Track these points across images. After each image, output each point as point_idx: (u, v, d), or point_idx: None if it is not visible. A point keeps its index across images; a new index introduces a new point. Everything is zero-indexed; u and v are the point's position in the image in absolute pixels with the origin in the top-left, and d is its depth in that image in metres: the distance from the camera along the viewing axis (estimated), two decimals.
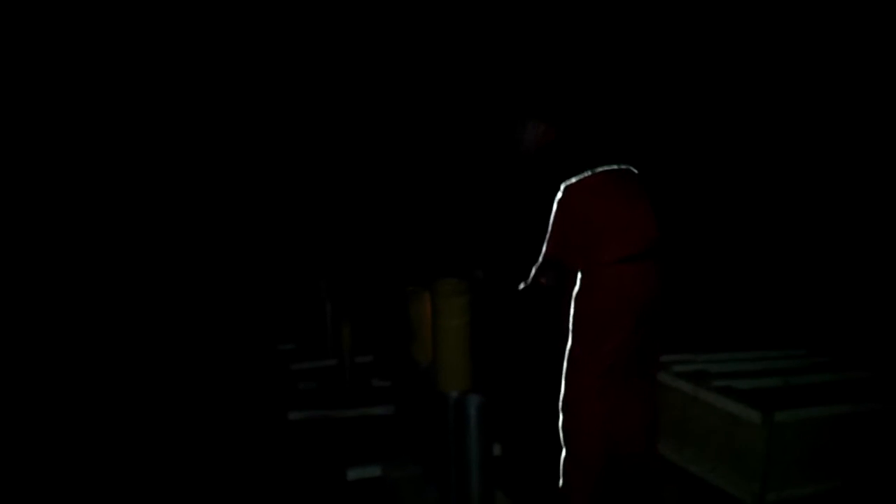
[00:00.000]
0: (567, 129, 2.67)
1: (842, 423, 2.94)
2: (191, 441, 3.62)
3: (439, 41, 6.95)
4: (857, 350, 3.78)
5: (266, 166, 7.77)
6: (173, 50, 7.33)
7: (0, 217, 6.92)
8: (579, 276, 2.55)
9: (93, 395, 4.39)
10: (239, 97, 7.61)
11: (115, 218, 7.44)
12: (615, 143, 2.65)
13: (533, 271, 2.64)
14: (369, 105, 7.47)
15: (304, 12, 7.27)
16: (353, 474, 3.16)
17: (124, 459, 3.39)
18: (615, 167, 2.55)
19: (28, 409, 4.09)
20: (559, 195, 2.55)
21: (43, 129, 7.15)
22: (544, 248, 2.61)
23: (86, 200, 7.35)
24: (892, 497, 2.93)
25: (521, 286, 2.66)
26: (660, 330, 2.68)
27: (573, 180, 2.52)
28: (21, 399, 4.24)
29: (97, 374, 4.85)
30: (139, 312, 6.62)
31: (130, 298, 6.94)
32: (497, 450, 3.28)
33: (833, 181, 4.99)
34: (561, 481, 2.62)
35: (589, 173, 2.51)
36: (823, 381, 3.19)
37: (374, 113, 7.46)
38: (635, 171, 2.61)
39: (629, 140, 2.72)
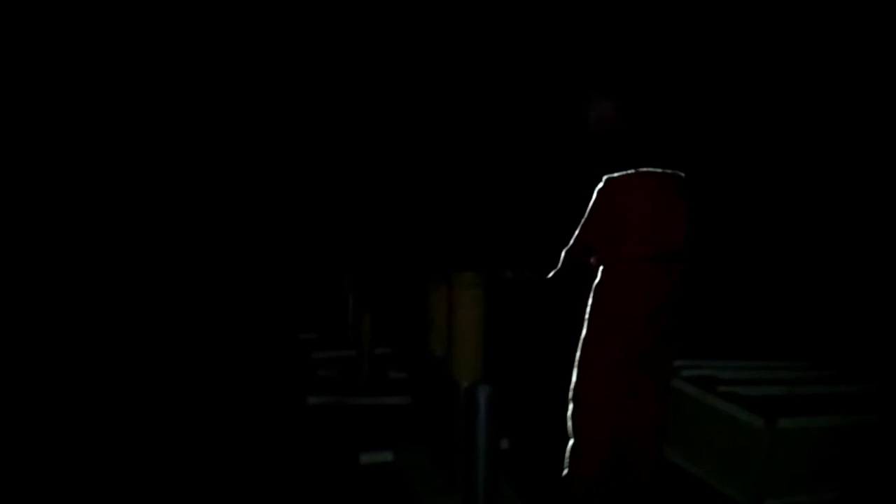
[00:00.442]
0: (632, 121, 2.75)
1: (843, 434, 3.00)
2: (214, 422, 3.78)
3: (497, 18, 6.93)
4: (862, 363, 3.83)
5: (293, 158, 7.91)
6: (203, 49, 7.49)
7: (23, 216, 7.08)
8: (601, 269, 2.66)
9: (126, 373, 4.57)
10: (264, 91, 7.76)
11: (146, 211, 7.63)
12: (669, 146, 2.73)
13: (563, 255, 2.76)
14: (395, 97, 7.56)
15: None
16: (365, 458, 3.29)
17: (150, 437, 3.55)
18: (661, 170, 2.64)
19: (40, 402, 4.26)
20: (600, 185, 2.67)
21: (52, 129, 7.28)
22: (577, 233, 2.74)
23: (112, 193, 7.54)
24: None
25: (551, 273, 2.78)
26: (673, 333, 2.77)
27: (616, 175, 2.63)
28: (34, 392, 4.41)
29: (134, 353, 5.05)
30: (174, 300, 6.82)
31: (166, 287, 7.13)
32: (505, 444, 3.39)
33: (845, 195, 5.03)
34: (566, 470, 2.72)
35: (633, 171, 2.61)
36: (827, 392, 3.26)
37: (398, 104, 7.55)
38: (682, 175, 2.70)
39: (683, 143, 2.80)
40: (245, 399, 4.16)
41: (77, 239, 7.31)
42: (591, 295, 2.66)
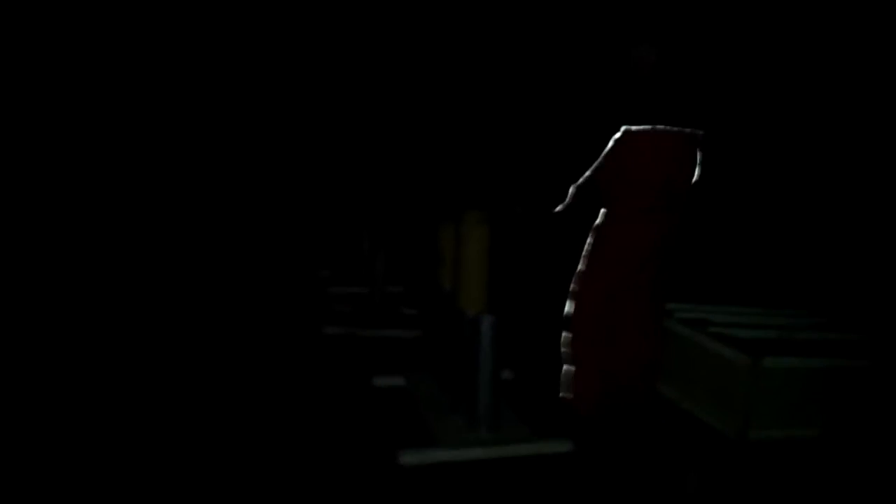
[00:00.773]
0: (666, 74, 2.87)
1: (825, 375, 3.20)
2: (235, 351, 4.02)
3: None
4: (856, 313, 4.00)
5: (307, 103, 8.01)
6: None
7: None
8: (602, 211, 2.84)
9: (149, 309, 4.82)
10: (272, 54, 7.80)
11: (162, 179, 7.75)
12: (693, 105, 2.86)
13: (571, 191, 2.93)
14: (404, 37, 7.56)
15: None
16: (378, 382, 3.52)
17: (173, 366, 3.80)
18: (678, 129, 2.78)
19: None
20: (618, 135, 2.82)
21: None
22: (587, 173, 2.91)
23: (124, 180, 7.63)
24: (865, 449, 3.19)
25: (559, 207, 2.96)
26: (666, 276, 2.95)
27: (634, 129, 2.78)
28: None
29: (156, 288, 5.29)
30: (195, 237, 7.04)
31: (189, 224, 7.34)
32: (508, 374, 3.61)
33: (846, 149, 5.11)
34: (561, 394, 2.94)
35: (650, 128, 2.76)
36: (815, 337, 3.44)
37: (408, 44, 7.55)
38: (698, 133, 2.83)
39: (708, 103, 2.92)
40: (264, 330, 4.40)
41: (84, 220, 7.46)
42: (591, 234, 2.85)
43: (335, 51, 7.83)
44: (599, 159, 2.89)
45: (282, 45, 7.84)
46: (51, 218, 7.02)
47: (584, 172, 2.95)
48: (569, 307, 2.90)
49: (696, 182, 2.83)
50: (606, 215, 2.85)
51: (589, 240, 2.86)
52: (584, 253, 2.87)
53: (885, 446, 3.13)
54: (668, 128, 2.76)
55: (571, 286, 2.90)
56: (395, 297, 5.09)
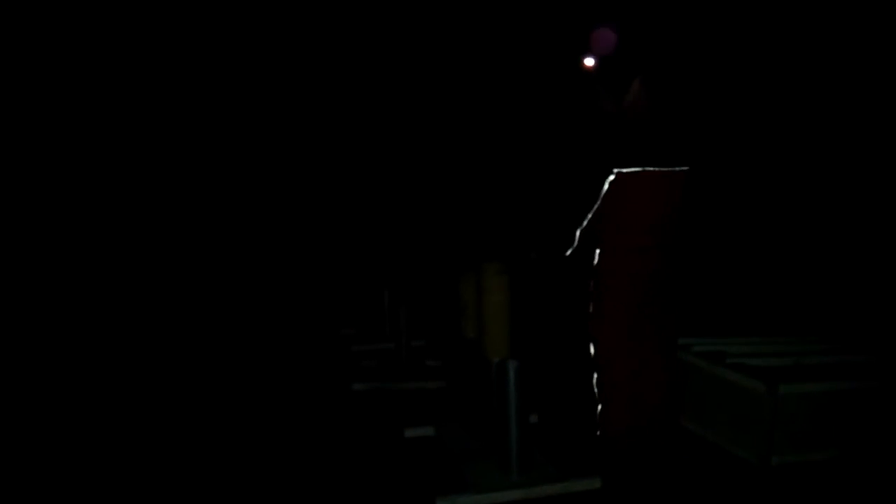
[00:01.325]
0: (655, 115, 3.03)
1: (841, 398, 3.30)
2: (268, 409, 4.16)
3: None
4: (865, 337, 4.11)
5: (323, 163, 8.20)
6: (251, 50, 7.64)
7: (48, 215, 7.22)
8: (598, 252, 2.99)
9: (184, 369, 4.98)
10: (303, 94, 7.98)
11: (192, 208, 7.93)
12: (681, 144, 3.02)
13: (577, 235, 3.08)
14: (410, 98, 7.75)
15: None
16: (409, 433, 3.65)
17: (209, 421, 3.95)
18: (667, 169, 2.95)
19: (96, 384, 4.67)
20: (611, 177, 2.99)
21: (58, 129, 7.27)
22: (589, 216, 3.06)
23: (154, 189, 7.77)
24: (882, 467, 3.28)
25: (569, 251, 3.11)
26: (673, 313, 3.08)
27: (625, 171, 2.94)
28: (83, 379, 4.83)
29: (189, 350, 5.46)
30: (229, 300, 7.22)
31: (216, 286, 7.51)
32: (534, 418, 3.73)
33: (845, 177, 5.23)
34: (598, 431, 3.05)
35: (640, 170, 2.93)
36: (828, 362, 3.56)
37: (416, 103, 7.74)
38: (686, 169, 3.00)
39: (695, 141, 3.08)
40: (294, 388, 4.54)
41: (121, 241, 7.61)
42: (592, 275, 3.00)
43: (358, 108, 8.03)
44: (598, 202, 3.05)
45: (306, 99, 8.00)
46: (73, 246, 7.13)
47: (586, 215, 3.12)
48: (591, 348, 3.04)
49: (686, 218, 2.98)
50: (602, 255, 2.99)
51: (591, 281, 3.00)
52: (589, 295, 3.01)
53: None
54: (655, 168, 2.92)
55: (588, 328, 3.04)
56: (419, 351, 5.22)
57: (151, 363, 5.11)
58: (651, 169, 2.93)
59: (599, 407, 3.06)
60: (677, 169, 2.97)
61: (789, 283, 5.37)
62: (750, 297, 5.32)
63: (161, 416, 4.00)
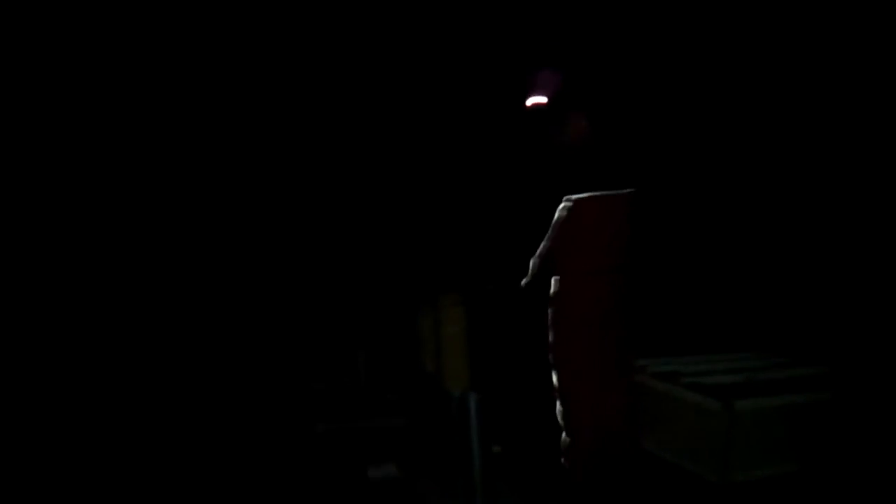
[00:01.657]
0: (601, 137, 3.10)
1: (796, 411, 3.37)
2: (238, 449, 4.11)
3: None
4: (816, 350, 4.20)
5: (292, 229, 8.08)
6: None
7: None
8: (554, 279, 3.02)
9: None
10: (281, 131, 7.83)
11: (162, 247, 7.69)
12: (628, 167, 3.08)
13: (532, 263, 3.11)
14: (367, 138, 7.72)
15: None
16: (373, 473, 3.61)
17: (177, 464, 3.88)
18: (615, 192, 3.01)
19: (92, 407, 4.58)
20: (563, 204, 3.03)
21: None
22: (542, 244, 3.09)
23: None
24: (844, 478, 3.34)
25: (524, 281, 3.13)
26: (630, 334, 3.13)
27: (574, 197, 2.99)
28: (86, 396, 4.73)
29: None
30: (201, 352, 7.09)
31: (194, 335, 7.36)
32: (497, 449, 3.72)
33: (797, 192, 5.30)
34: (563, 458, 3.06)
35: (588, 195, 2.98)
36: (781, 376, 3.63)
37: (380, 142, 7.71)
38: (634, 191, 3.07)
39: (641, 160, 3.14)
40: (262, 429, 4.50)
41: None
42: (549, 304, 3.02)
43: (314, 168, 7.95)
44: (550, 229, 3.09)
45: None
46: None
47: (540, 244, 3.15)
48: (554, 377, 3.05)
49: (639, 240, 3.04)
50: (560, 283, 3.02)
51: (549, 309, 3.02)
52: (548, 323, 3.03)
53: (861, 473, 3.28)
54: (606, 192, 2.98)
55: (549, 357, 3.06)
56: (379, 387, 5.20)
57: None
58: (601, 193, 2.99)
59: (563, 435, 3.07)
60: (628, 192, 3.03)
61: (737, 299, 5.45)
62: (700, 314, 5.39)
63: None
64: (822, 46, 4.64)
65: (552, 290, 3.02)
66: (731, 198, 5.42)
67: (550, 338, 3.02)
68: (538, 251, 3.13)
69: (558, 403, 3.06)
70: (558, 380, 3.03)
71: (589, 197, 2.97)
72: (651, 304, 3.71)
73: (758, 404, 3.29)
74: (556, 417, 3.06)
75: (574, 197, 3.00)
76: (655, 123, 5.56)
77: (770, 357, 4.04)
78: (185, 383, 5.82)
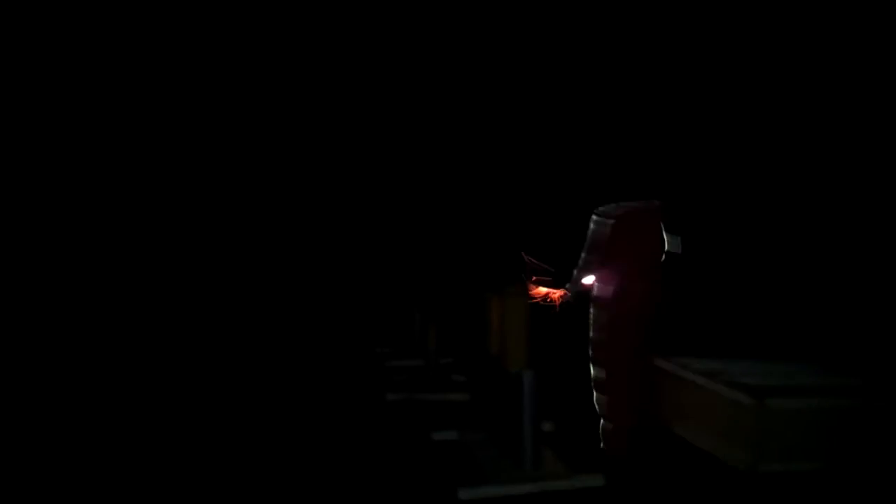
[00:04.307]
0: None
1: (824, 415, 3.67)
2: (312, 415, 4.67)
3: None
4: (852, 361, 4.45)
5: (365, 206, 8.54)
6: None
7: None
8: (597, 284, 3.42)
9: (234, 379, 5.50)
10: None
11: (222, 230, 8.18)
12: (658, 178, 3.46)
13: (574, 273, 3.53)
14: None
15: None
16: (436, 436, 4.11)
17: (260, 427, 4.45)
18: (644, 203, 3.39)
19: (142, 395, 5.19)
20: (597, 218, 3.43)
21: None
22: (582, 258, 3.50)
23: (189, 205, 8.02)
24: (861, 479, 3.62)
25: (568, 286, 3.55)
26: (663, 337, 3.49)
27: (602, 208, 3.38)
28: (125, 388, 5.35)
29: (235, 360, 5.99)
30: (273, 320, 7.69)
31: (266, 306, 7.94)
32: (549, 426, 4.16)
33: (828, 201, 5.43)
34: (602, 443, 3.47)
35: (615, 205, 3.37)
36: (815, 383, 3.93)
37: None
38: (660, 203, 3.44)
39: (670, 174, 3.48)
40: (334, 398, 5.04)
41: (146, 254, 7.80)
42: (593, 303, 3.43)
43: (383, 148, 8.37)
44: (588, 243, 3.49)
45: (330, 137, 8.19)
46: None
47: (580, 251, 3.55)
48: (594, 371, 3.46)
49: (668, 249, 3.40)
50: (601, 288, 3.42)
51: (592, 310, 3.43)
52: (591, 321, 3.44)
53: (881, 478, 3.56)
54: (633, 203, 3.36)
55: (590, 352, 3.48)
56: (447, 367, 5.69)
57: (186, 372, 5.62)
58: (627, 204, 3.37)
59: (601, 422, 3.48)
60: (654, 203, 3.40)
61: (782, 308, 5.65)
62: (745, 321, 5.63)
63: (197, 421, 4.51)
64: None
65: (594, 292, 3.43)
66: (767, 207, 5.57)
67: (592, 334, 3.43)
68: (580, 263, 3.53)
69: (596, 393, 3.47)
70: (597, 373, 3.44)
71: (624, 212, 3.36)
72: (694, 309, 4.04)
73: (788, 404, 3.61)
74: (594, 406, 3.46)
75: (608, 211, 3.38)
76: (673, 128, 5.76)
77: (805, 364, 4.32)
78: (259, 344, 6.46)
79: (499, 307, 3.81)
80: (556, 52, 7.21)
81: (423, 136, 8.18)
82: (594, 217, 3.66)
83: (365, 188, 8.56)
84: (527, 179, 7.95)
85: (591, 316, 3.65)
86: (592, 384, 3.65)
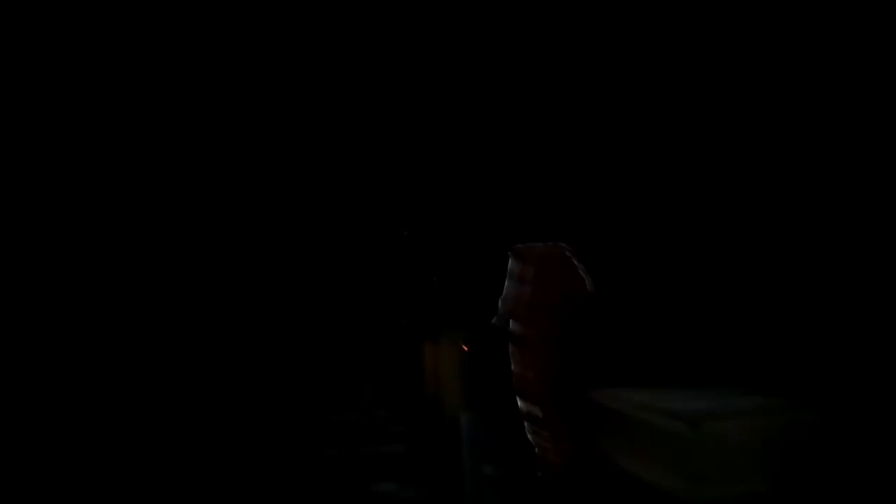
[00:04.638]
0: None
1: (761, 437, 3.73)
2: (251, 470, 4.51)
3: None
4: (786, 384, 4.53)
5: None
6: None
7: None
8: (510, 320, 3.47)
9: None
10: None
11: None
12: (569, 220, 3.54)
13: (500, 306, 3.56)
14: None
15: None
16: (375, 489, 4.01)
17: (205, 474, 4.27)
18: (556, 244, 3.47)
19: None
20: (511, 253, 3.48)
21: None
22: (505, 289, 3.54)
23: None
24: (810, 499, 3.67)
25: (494, 321, 3.58)
26: (588, 367, 3.54)
27: (520, 246, 3.44)
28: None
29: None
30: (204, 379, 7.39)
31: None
32: (490, 470, 4.11)
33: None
34: (539, 473, 3.45)
35: (530, 245, 3.43)
36: (749, 406, 4.00)
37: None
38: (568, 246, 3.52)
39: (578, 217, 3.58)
40: (272, 455, 4.90)
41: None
42: (510, 341, 3.48)
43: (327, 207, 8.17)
44: (507, 276, 3.57)
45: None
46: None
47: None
48: (521, 406, 3.48)
49: (583, 286, 3.47)
50: (515, 324, 3.48)
51: (511, 347, 3.47)
52: (510, 357, 3.48)
53: (825, 496, 3.61)
54: (547, 244, 3.45)
55: (514, 387, 3.50)
56: (384, 419, 5.60)
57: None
58: (541, 245, 3.46)
59: (536, 451, 3.47)
60: (565, 245, 3.50)
61: (703, 336, 5.59)
62: (668, 350, 5.61)
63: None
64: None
65: (511, 328, 3.47)
66: (682, 240, 5.44)
67: (514, 370, 3.46)
68: (503, 295, 3.59)
69: (528, 426, 3.48)
70: (526, 407, 3.46)
71: (530, 248, 3.44)
72: (624, 340, 4.09)
73: (723, 428, 3.66)
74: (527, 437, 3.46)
75: (522, 252, 3.45)
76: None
77: (739, 389, 4.40)
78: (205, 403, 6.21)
79: (433, 353, 3.79)
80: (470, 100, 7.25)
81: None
82: (510, 257, 3.71)
83: (286, 249, 8.34)
84: (446, 222, 7.96)
85: (511, 353, 3.68)
86: (523, 419, 3.65)
